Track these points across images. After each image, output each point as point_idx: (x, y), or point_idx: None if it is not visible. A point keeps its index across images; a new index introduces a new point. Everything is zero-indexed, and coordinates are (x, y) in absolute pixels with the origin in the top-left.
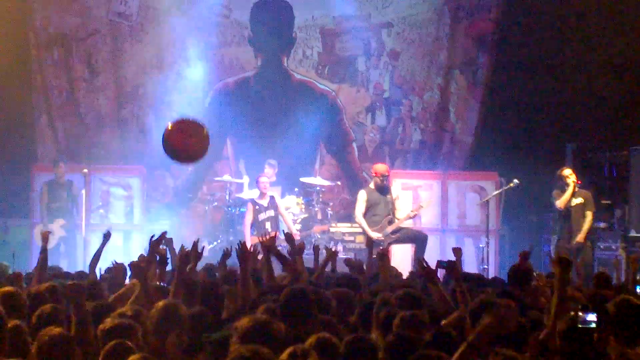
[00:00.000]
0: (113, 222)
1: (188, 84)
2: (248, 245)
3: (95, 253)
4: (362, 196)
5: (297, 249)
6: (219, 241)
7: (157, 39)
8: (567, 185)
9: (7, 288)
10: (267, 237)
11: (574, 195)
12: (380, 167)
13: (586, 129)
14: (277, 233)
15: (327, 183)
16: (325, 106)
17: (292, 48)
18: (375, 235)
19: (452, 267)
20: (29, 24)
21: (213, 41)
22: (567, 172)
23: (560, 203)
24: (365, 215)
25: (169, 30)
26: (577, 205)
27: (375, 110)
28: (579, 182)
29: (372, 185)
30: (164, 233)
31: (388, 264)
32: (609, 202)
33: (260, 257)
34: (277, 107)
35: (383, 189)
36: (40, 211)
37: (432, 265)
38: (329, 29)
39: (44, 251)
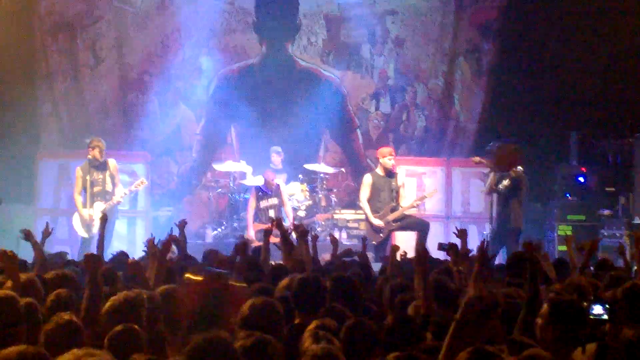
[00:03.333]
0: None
1: (192, 71)
2: (250, 232)
3: (98, 238)
4: (367, 180)
5: (302, 233)
6: (222, 227)
7: (161, 26)
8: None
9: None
10: (272, 224)
11: (503, 177)
12: (385, 149)
13: (590, 117)
14: (281, 220)
15: (331, 170)
16: (329, 93)
17: (296, 35)
18: (376, 222)
19: (453, 249)
20: (34, 10)
21: (218, 28)
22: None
23: (486, 188)
24: (369, 200)
25: (173, 16)
26: (505, 187)
27: (379, 97)
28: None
29: (378, 171)
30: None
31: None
32: (613, 189)
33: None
34: (282, 93)
35: (390, 174)
36: (75, 200)
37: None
38: (333, 15)
39: (37, 244)
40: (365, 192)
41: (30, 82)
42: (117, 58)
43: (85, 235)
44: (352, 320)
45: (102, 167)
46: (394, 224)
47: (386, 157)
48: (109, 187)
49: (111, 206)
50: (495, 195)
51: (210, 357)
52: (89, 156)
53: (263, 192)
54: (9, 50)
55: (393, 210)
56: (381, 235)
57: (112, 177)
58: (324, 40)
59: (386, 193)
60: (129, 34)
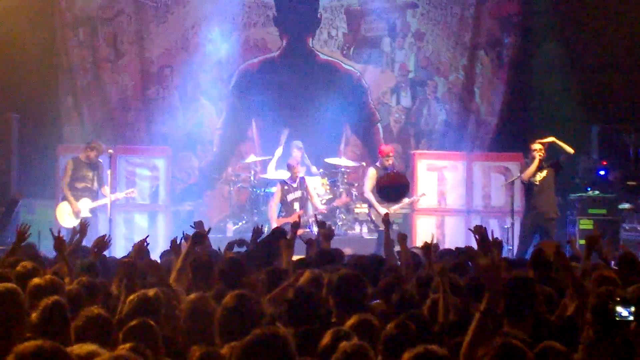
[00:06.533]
0: (138, 202)
1: (213, 65)
2: (273, 225)
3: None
4: (372, 173)
5: (326, 235)
6: (243, 222)
7: (182, 20)
8: (534, 158)
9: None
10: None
11: (540, 169)
12: (385, 148)
13: (612, 110)
14: (302, 212)
15: (351, 164)
16: (350, 87)
17: (317, 28)
18: (383, 210)
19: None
20: (55, 4)
21: (238, 22)
22: (536, 146)
23: (524, 175)
24: (372, 192)
25: (194, 10)
26: (542, 179)
27: (400, 91)
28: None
29: (378, 164)
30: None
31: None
32: (634, 183)
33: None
34: (302, 87)
35: (387, 169)
36: (63, 189)
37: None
38: (354, 9)
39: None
40: (369, 185)
41: (51, 77)
42: (138, 52)
43: (69, 226)
44: (396, 321)
45: (93, 166)
46: (395, 214)
47: (384, 157)
48: (95, 186)
49: (98, 205)
50: (524, 186)
51: (266, 352)
52: (84, 155)
53: (289, 185)
54: (29, 45)
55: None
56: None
57: (100, 178)
58: (345, 34)
59: None
60: (150, 28)
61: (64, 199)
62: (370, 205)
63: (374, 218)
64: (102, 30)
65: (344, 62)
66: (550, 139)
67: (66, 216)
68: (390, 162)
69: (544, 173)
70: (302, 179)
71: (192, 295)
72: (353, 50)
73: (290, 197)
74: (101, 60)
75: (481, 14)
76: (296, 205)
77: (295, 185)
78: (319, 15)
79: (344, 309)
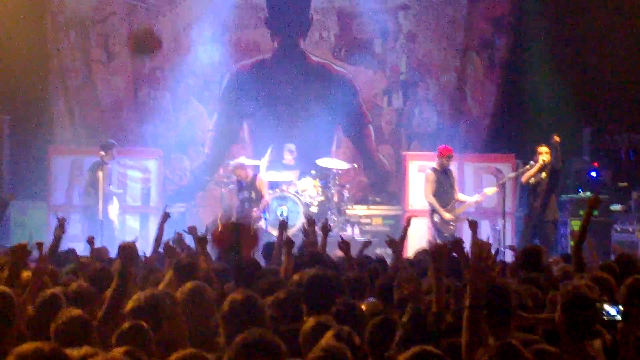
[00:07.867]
0: (130, 204)
1: (205, 67)
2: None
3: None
4: (431, 176)
5: (324, 230)
6: None
7: (173, 22)
8: (537, 161)
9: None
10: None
11: (540, 171)
12: (446, 148)
13: (603, 111)
14: (255, 211)
15: (343, 165)
16: (341, 88)
17: (308, 30)
18: (448, 215)
19: (458, 244)
20: (46, 7)
21: (230, 23)
22: (543, 149)
23: (523, 178)
24: (435, 195)
25: (185, 12)
26: (541, 181)
27: (391, 92)
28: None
29: (436, 166)
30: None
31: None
32: (625, 184)
33: None
34: (294, 89)
35: (447, 170)
36: (106, 191)
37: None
38: (345, 11)
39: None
40: (430, 188)
41: (43, 79)
42: (129, 54)
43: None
44: (381, 317)
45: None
46: (462, 217)
47: (444, 157)
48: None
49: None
50: (523, 187)
51: (257, 354)
52: (106, 158)
53: (240, 185)
54: (21, 47)
55: (457, 204)
56: (451, 227)
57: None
58: (336, 36)
59: (447, 187)
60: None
61: (108, 201)
62: (434, 210)
63: (437, 223)
64: (94, 32)
65: (336, 64)
66: (558, 139)
67: (115, 217)
68: (450, 162)
69: (543, 175)
70: (255, 177)
71: (189, 284)
72: (344, 52)
73: (240, 196)
74: (93, 62)
75: (473, 15)
76: (246, 205)
77: (244, 185)
78: (310, 17)
79: (314, 308)
